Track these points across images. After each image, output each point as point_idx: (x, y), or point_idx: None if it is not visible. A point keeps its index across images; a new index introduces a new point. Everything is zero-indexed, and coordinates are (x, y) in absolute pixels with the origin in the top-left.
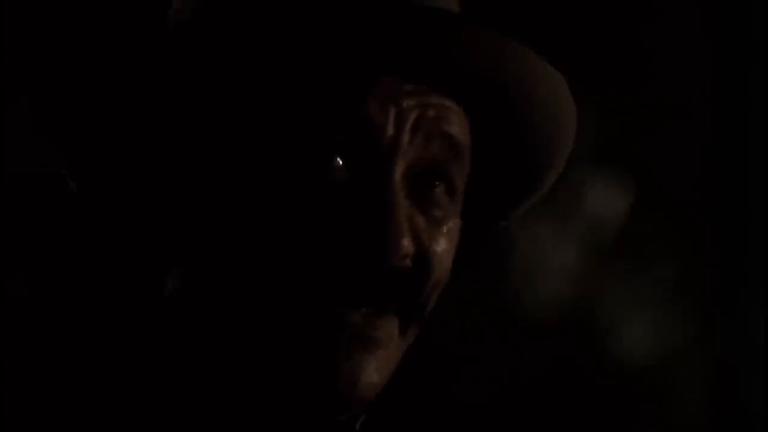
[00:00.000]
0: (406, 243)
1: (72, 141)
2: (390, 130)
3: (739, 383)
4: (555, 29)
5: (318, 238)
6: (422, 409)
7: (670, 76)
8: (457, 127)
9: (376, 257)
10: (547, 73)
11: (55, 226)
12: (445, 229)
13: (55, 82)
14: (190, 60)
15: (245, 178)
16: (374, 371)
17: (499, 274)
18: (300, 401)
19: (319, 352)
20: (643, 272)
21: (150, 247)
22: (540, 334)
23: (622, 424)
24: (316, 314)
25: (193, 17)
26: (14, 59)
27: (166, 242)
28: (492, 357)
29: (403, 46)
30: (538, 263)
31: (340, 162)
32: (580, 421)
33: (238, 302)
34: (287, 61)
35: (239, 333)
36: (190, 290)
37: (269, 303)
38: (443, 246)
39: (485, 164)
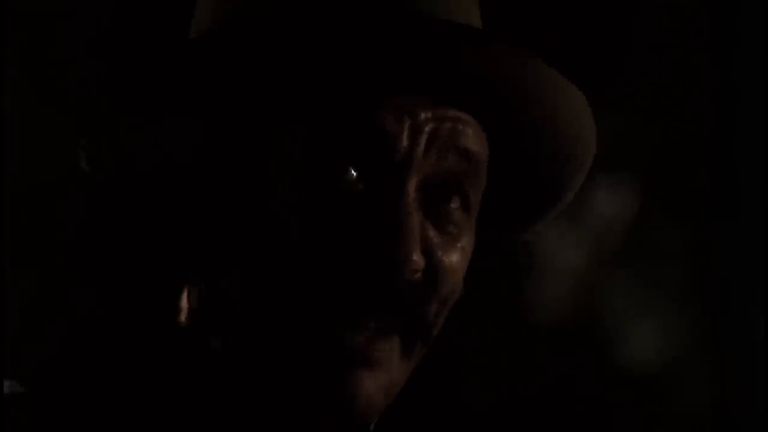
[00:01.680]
0: (416, 257)
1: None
2: (404, 141)
3: (744, 388)
4: (559, 32)
5: (329, 252)
6: (430, 412)
7: (679, 79)
8: (474, 141)
9: (386, 272)
10: (569, 92)
11: (67, 227)
12: (459, 245)
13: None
14: (209, 71)
15: (258, 190)
16: (376, 391)
17: (505, 277)
18: (304, 421)
19: (321, 373)
20: (649, 277)
21: (166, 255)
22: (544, 338)
23: (627, 427)
24: (319, 336)
25: (213, 27)
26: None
27: (181, 250)
28: (497, 360)
29: (418, 61)
30: (543, 267)
31: (354, 174)
32: (585, 425)
33: (245, 318)
34: (302, 71)
35: (245, 351)
36: (200, 308)
37: (274, 322)
38: (455, 259)
39: (502, 176)
